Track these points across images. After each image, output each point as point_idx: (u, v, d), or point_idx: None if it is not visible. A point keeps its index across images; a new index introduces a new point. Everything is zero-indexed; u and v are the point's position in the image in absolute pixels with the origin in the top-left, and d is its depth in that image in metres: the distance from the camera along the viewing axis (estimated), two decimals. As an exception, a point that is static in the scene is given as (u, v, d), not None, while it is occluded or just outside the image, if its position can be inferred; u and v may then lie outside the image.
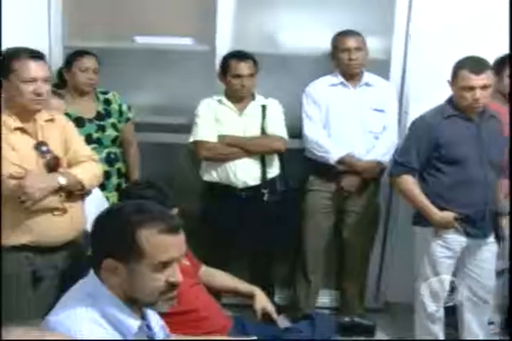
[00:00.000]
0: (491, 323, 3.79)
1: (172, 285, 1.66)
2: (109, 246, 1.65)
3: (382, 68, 3.79)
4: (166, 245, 1.64)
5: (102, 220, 1.72)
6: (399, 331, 3.77)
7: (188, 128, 3.58)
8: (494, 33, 3.67)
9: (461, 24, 3.70)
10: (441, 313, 3.41)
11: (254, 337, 2.41)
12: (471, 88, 3.03)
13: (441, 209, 3.15)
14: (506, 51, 3.54)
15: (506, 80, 3.52)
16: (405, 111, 3.75)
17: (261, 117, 3.49)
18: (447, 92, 3.20)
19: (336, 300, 4.03)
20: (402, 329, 3.70)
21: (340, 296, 3.95)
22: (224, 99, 3.51)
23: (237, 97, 3.50)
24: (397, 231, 3.90)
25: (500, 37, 3.65)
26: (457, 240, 3.22)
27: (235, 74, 3.43)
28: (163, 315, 1.88)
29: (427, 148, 3.14)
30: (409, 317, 3.52)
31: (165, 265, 1.64)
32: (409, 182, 3.20)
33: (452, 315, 3.53)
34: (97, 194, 2.97)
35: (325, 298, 4.04)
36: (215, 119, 3.49)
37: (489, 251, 3.33)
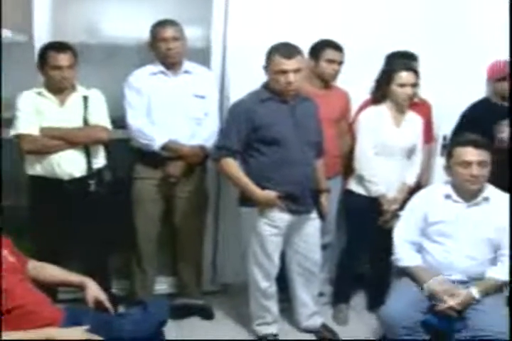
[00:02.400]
0: (321, 294, 4.02)
1: None
2: None
3: (202, 56, 3.87)
4: None
5: None
6: (237, 311, 3.89)
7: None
8: (309, 19, 3.86)
9: (278, 11, 3.85)
10: (273, 289, 3.56)
11: (87, 327, 2.42)
12: (284, 72, 3.16)
13: (264, 188, 3.26)
14: (322, 36, 3.75)
15: (323, 65, 3.72)
16: (227, 96, 3.85)
17: (83, 108, 3.42)
18: (266, 78, 3.31)
19: (173, 286, 4.08)
20: (241, 308, 3.82)
21: (177, 281, 4.00)
22: (44, 91, 3.42)
23: (58, 89, 3.42)
24: (227, 214, 4.00)
25: (314, 23, 3.86)
26: (282, 217, 3.34)
27: (54, 66, 3.35)
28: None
29: (246, 131, 3.23)
30: (246, 296, 3.65)
31: None
32: (231, 165, 3.27)
33: (284, 289, 3.69)
34: None
35: (162, 285, 4.08)
36: (35, 112, 3.38)
37: (313, 226, 3.51)
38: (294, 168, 3.27)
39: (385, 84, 3.61)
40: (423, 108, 3.96)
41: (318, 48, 3.74)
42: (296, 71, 3.17)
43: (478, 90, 4.15)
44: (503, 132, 3.96)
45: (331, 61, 3.71)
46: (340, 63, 3.75)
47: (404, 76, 3.58)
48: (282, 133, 3.24)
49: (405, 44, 3.94)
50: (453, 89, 4.08)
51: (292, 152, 3.26)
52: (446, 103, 4.11)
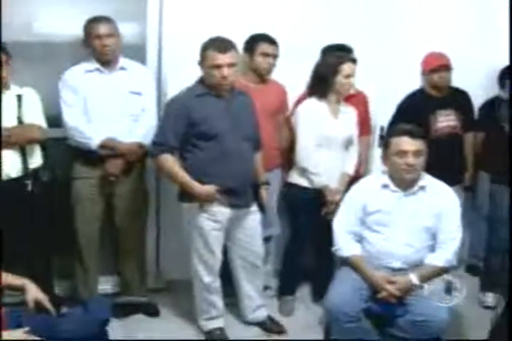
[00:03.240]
0: (267, 288, 4.06)
1: None
2: None
3: (138, 53, 3.86)
4: None
5: None
6: (183, 307, 3.87)
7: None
8: (244, 14, 3.89)
9: (212, 6, 3.88)
10: (217, 283, 3.56)
11: (27, 328, 2.39)
12: (218, 66, 3.16)
13: (203, 183, 3.26)
14: (257, 30, 3.77)
15: (258, 59, 3.73)
16: (164, 93, 3.84)
17: (17, 107, 3.37)
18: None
19: (117, 285, 4.04)
20: (186, 304, 3.80)
21: (121, 280, 3.96)
22: (-25, 91, 3.36)
23: (-10, 88, 3.36)
24: (169, 210, 3.99)
25: (248, 17, 3.88)
26: (222, 211, 3.35)
27: (-15, 65, 3.29)
28: None
29: (183, 127, 3.23)
30: (191, 292, 3.64)
31: None
32: (169, 161, 3.27)
33: (229, 283, 3.70)
34: None
35: (106, 285, 4.04)
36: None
37: (253, 219, 3.53)
38: (232, 162, 3.28)
39: (330, 76, 3.64)
40: (359, 99, 4.02)
41: (253, 42, 3.75)
42: (231, 65, 3.18)
43: (413, 82, 4.23)
44: (438, 122, 4.05)
45: (265, 55, 3.73)
46: (275, 57, 3.77)
47: (348, 67, 3.63)
48: (219, 127, 3.25)
49: (340, 37, 4.00)
50: (389, 81, 4.17)
51: (230, 146, 3.27)
52: (383, 95, 4.19)
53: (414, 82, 4.22)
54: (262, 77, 3.83)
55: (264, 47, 3.73)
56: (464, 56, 4.21)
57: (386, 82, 4.16)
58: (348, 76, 3.63)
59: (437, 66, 4.04)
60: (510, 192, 3.91)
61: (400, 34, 4.23)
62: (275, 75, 3.92)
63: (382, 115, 4.22)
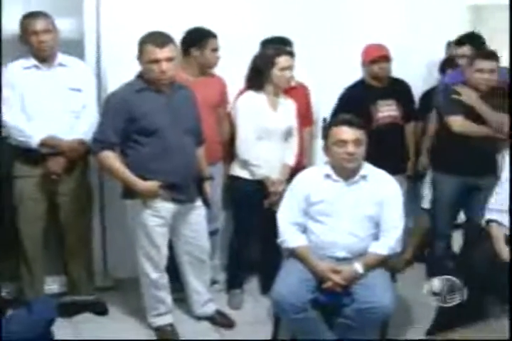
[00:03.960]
0: (215, 282, 4.07)
1: None
2: None
3: (76, 48, 3.79)
4: None
5: None
6: (132, 304, 3.85)
7: None
8: (182, 8, 3.88)
9: (148, 1, 3.85)
10: (165, 280, 3.55)
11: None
12: (157, 61, 3.14)
13: (146, 179, 3.24)
14: (195, 24, 3.75)
15: (209, 54, 3.75)
16: (104, 88, 3.79)
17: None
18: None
19: (64, 285, 3.98)
20: (135, 302, 3.77)
21: (68, 280, 3.91)
22: None
23: None
24: (113, 208, 3.94)
25: (186, 11, 3.86)
26: (166, 207, 3.34)
27: None
28: None
29: (123, 122, 3.20)
30: (139, 290, 3.62)
31: None
32: (110, 158, 3.24)
33: (177, 279, 3.69)
34: None
35: (53, 285, 3.97)
36: None
37: (198, 214, 3.52)
38: (173, 157, 3.26)
39: (266, 68, 3.65)
40: (300, 91, 4.05)
41: (202, 37, 3.75)
42: (169, 60, 3.16)
43: (355, 73, 4.26)
44: (379, 112, 4.11)
45: (214, 50, 3.77)
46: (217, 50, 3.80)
47: (285, 60, 3.65)
48: (159, 123, 3.23)
49: (281, 30, 4.01)
50: (331, 73, 4.21)
51: (171, 141, 3.25)
52: (325, 86, 4.23)
53: (356, 73, 4.26)
54: (206, 71, 3.83)
55: (214, 42, 3.75)
56: (402, 47, 4.28)
57: (327, 74, 4.20)
58: (284, 68, 3.64)
59: (377, 57, 4.08)
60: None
61: (340, 26, 4.28)
62: (217, 68, 3.92)
63: (325, 106, 4.25)
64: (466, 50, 4.23)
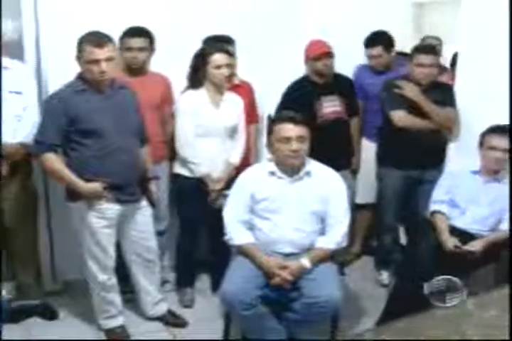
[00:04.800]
0: (166, 282, 4.06)
1: None
2: None
3: (16, 50, 3.72)
4: None
5: None
6: (82, 308, 3.80)
7: None
8: (120, 7, 3.83)
9: (87, 0, 3.79)
10: (113, 281, 3.52)
11: None
12: (96, 61, 3.12)
13: (89, 180, 3.21)
14: (133, 23, 3.72)
15: (124, 53, 3.71)
16: (45, 90, 3.74)
17: None
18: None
19: (13, 290, 3.90)
20: (85, 305, 3.72)
21: (16, 284, 3.85)
22: None
23: None
24: (59, 210, 3.85)
25: (125, 11, 3.82)
26: (111, 208, 3.32)
27: None
28: None
29: (64, 124, 3.16)
30: (89, 292, 3.58)
31: None
32: (52, 160, 3.20)
33: (126, 280, 3.68)
34: None
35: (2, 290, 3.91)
36: None
37: (144, 214, 3.51)
38: (116, 158, 3.24)
39: (202, 67, 3.66)
40: (245, 89, 4.06)
41: (121, 37, 3.70)
42: (108, 60, 3.14)
43: (299, 70, 4.29)
44: (323, 108, 4.14)
45: (129, 49, 3.71)
46: (142, 49, 3.74)
47: (219, 58, 3.64)
48: (100, 123, 3.20)
49: (224, 29, 4.00)
50: (275, 70, 4.21)
51: (113, 142, 3.23)
52: (270, 83, 4.23)
53: (300, 69, 4.28)
54: (136, 70, 3.79)
55: (126, 41, 3.70)
56: (347, 43, 4.30)
57: (271, 71, 4.20)
58: (220, 66, 3.64)
59: (320, 54, 4.11)
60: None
61: (283, 23, 4.28)
62: (162, 68, 3.90)
63: (270, 104, 4.26)
64: (379, 50, 4.29)
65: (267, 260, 3.19)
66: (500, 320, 1.93)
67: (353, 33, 4.38)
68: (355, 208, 4.39)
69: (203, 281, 4.27)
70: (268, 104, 4.28)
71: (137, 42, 3.71)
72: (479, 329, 1.93)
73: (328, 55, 4.12)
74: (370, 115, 4.40)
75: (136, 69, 3.79)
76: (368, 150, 4.43)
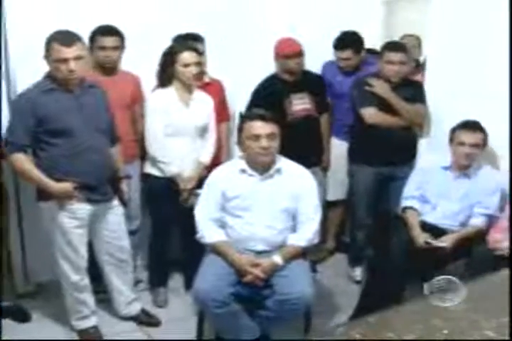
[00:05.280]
0: (140, 281, 4.04)
1: None
2: None
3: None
4: None
5: None
6: (55, 309, 3.77)
7: None
8: (90, 6, 3.80)
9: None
10: (85, 281, 3.50)
11: None
12: (65, 60, 3.08)
13: (59, 180, 3.19)
14: (102, 22, 3.70)
15: (97, 52, 3.69)
16: (15, 90, 3.70)
17: None
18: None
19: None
20: (58, 306, 3.70)
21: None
22: None
23: None
24: (30, 211, 3.81)
25: (95, 9, 3.80)
26: (82, 208, 3.30)
27: None
28: None
29: (32, 124, 3.13)
30: (62, 293, 3.56)
31: None
32: (22, 160, 3.17)
33: (99, 280, 3.66)
34: None
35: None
36: None
37: (116, 214, 3.50)
38: (86, 157, 3.23)
39: (170, 65, 3.65)
40: (215, 87, 4.05)
41: (92, 36, 3.69)
42: (77, 58, 3.11)
43: (270, 68, 4.29)
44: (293, 105, 4.14)
45: (102, 48, 3.69)
46: (115, 48, 3.72)
47: (186, 56, 3.63)
48: (69, 123, 3.18)
49: (194, 27, 4.00)
50: (245, 68, 4.21)
51: (82, 141, 3.21)
52: (240, 81, 4.23)
53: (271, 67, 4.28)
54: (108, 69, 3.78)
55: (99, 40, 3.68)
56: (318, 41, 4.32)
57: (242, 69, 4.20)
58: (188, 65, 3.63)
59: (290, 52, 4.11)
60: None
61: (252, 21, 4.28)
62: (132, 66, 3.89)
63: (241, 102, 4.26)
64: (348, 53, 4.28)
65: (239, 257, 3.19)
66: (468, 312, 1.97)
67: (321, 30, 4.38)
68: (327, 205, 4.41)
69: (176, 280, 4.26)
70: (239, 102, 4.28)
71: (110, 41, 3.69)
72: (449, 321, 1.97)
73: (298, 53, 4.13)
74: (339, 113, 4.42)
75: (109, 69, 3.78)
76: (337, 147, 4.44)
